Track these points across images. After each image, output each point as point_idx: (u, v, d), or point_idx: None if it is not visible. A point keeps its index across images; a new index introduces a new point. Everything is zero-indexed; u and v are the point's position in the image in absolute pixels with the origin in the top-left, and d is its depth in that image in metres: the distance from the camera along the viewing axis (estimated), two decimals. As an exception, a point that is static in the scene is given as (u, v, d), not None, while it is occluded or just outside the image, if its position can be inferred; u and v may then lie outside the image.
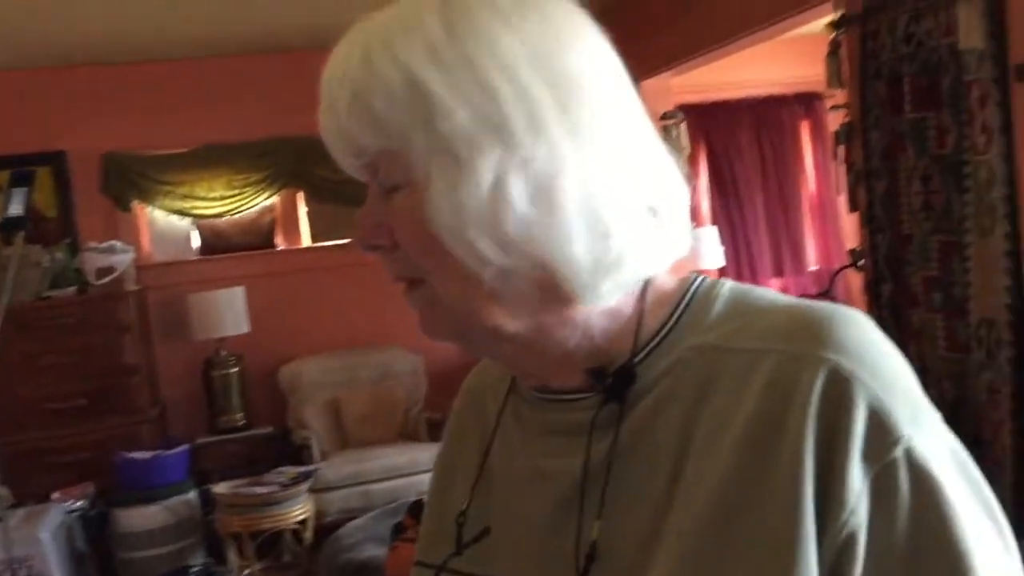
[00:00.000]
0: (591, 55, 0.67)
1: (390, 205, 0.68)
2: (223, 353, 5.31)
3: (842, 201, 3.88)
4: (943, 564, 0.61)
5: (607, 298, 0.68)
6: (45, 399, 4.74)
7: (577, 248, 0.64)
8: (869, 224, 3.17)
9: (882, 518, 0.61)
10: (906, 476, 0.61)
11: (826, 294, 5.04)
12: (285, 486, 4.58)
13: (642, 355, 0.70)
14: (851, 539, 0.61)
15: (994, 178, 2.54)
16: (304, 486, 4.62)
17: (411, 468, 4.99)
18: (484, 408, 0.84)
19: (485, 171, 0.63)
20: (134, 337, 5.06)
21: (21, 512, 4.11)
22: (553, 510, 0.72)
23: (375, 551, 3.40)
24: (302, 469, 4.81)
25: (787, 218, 6.14)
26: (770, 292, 0.72)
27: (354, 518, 4.22)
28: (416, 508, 3.23)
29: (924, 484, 0.61)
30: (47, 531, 4.05)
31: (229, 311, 5.26)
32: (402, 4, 0.67)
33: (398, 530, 3.20)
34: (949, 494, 0.62)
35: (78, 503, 4.42)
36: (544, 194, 0.63)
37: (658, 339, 0.71)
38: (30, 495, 4.27)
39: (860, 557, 0.61)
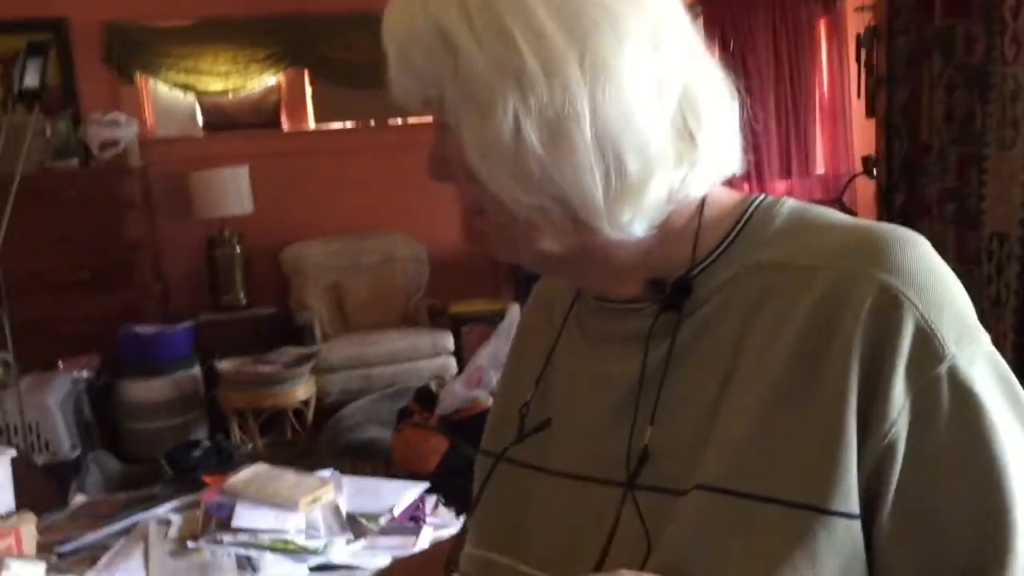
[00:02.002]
0: None
1: (446, 142, 0.71)
2: (226, 232, 5.30)
3: (858, 106, 3.84)
4: (978, 476, 0.63)
5: (633, 227, 0.70)
6: (47, 270, 4.71)
7: (591, 184, 0.67)
8: (886, 131, 3.14)
9: (922, 432, 0.63)
10: (948, 394, 0.63)
11: (836, 201, 5.03)
12: (288, 366, 4.65)
13: (699, 269, 0.73)
14: (890, 449, 0.63)
15: (1019, 91, 2.50)
16: (306, 367, 4.69)
17: (412, 353, 5.07)
18: (551, 311, 0.87)
19: (504, 115, 0.66)
20: (137, 213, 5.04)
21: (28, 380, 4.16)
22: (609, 413, 0.75)
23: (377, 433, 3.48)
24: (304, 350, 4.87)
25: (798, 120, 6.06)
26: (829, 211, 0.74)
27: (354, 400, 4.30)
28: (421, 394, 3.29)
29: (965, 402, 0.63)
30: (54, 399, 4.13)
31: (233, 191, 5.23)
32: None
33: (403, 414, 3.26)
34: (990, 413, 0.64)
35: (84, 373, 4.48)
36: (558, 135, 0.66)
37: (716, 254, 0.73)
38: (34, 364, 4.31)
39: (898, 466, 0.63)
